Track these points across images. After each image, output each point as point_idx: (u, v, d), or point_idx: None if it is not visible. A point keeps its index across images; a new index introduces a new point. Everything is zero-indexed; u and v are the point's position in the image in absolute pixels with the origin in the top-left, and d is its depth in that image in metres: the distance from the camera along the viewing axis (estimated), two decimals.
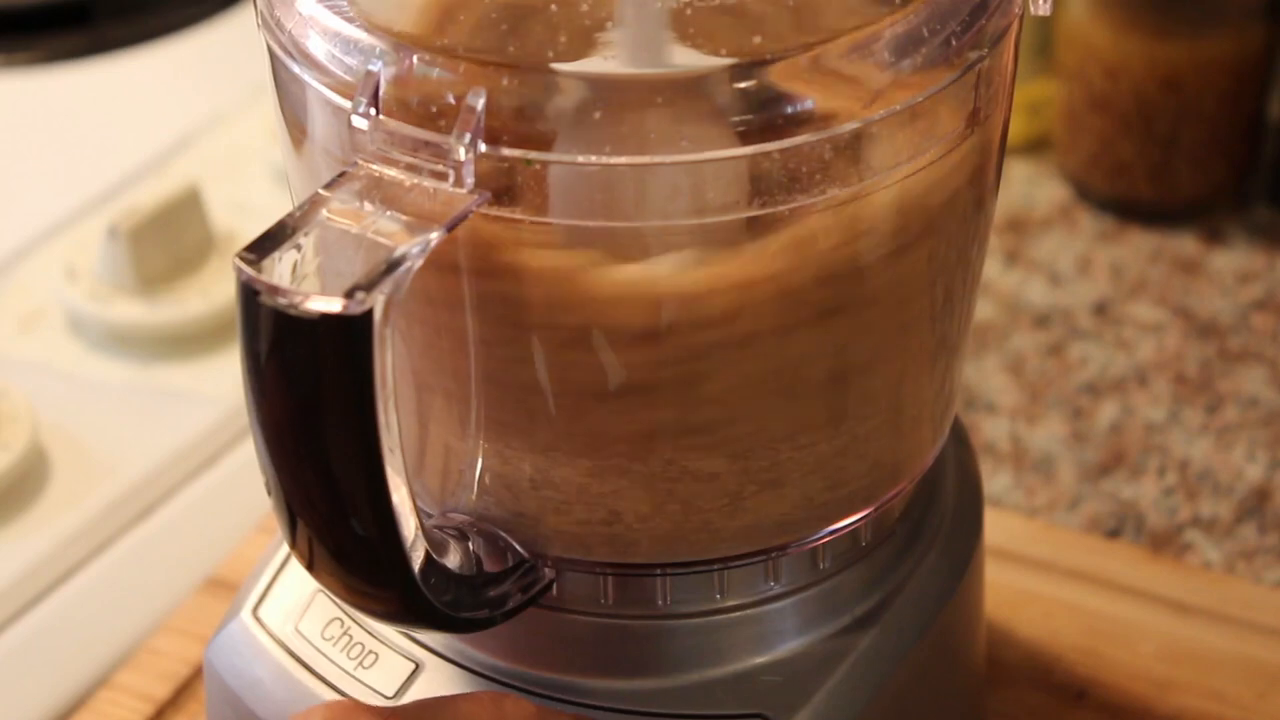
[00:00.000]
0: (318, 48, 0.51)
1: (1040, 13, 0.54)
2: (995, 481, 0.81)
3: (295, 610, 0.60)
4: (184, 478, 0.82)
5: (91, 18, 1.12)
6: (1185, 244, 0.95)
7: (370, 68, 0.49)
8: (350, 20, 0.51)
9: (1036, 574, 0.75)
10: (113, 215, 0.88)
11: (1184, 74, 0.92)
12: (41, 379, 0.85)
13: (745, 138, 0.49)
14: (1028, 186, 0.99)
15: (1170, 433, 0.84)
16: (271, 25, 0.53)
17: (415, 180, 0.48)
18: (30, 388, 0.83)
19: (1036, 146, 1.00)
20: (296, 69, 0.52)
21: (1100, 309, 0.91)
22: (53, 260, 0.90)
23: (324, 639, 0.59)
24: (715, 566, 0.56)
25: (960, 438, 0.65)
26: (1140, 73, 0.93)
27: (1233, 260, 0.94)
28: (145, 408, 0.84)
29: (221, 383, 0.85)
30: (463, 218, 0.48)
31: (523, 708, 0.54)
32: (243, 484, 0.81)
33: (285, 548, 0.60)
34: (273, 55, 0.53)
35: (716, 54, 0.50)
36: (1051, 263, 0.94)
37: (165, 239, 0.88)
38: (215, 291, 0.87)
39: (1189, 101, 0.93)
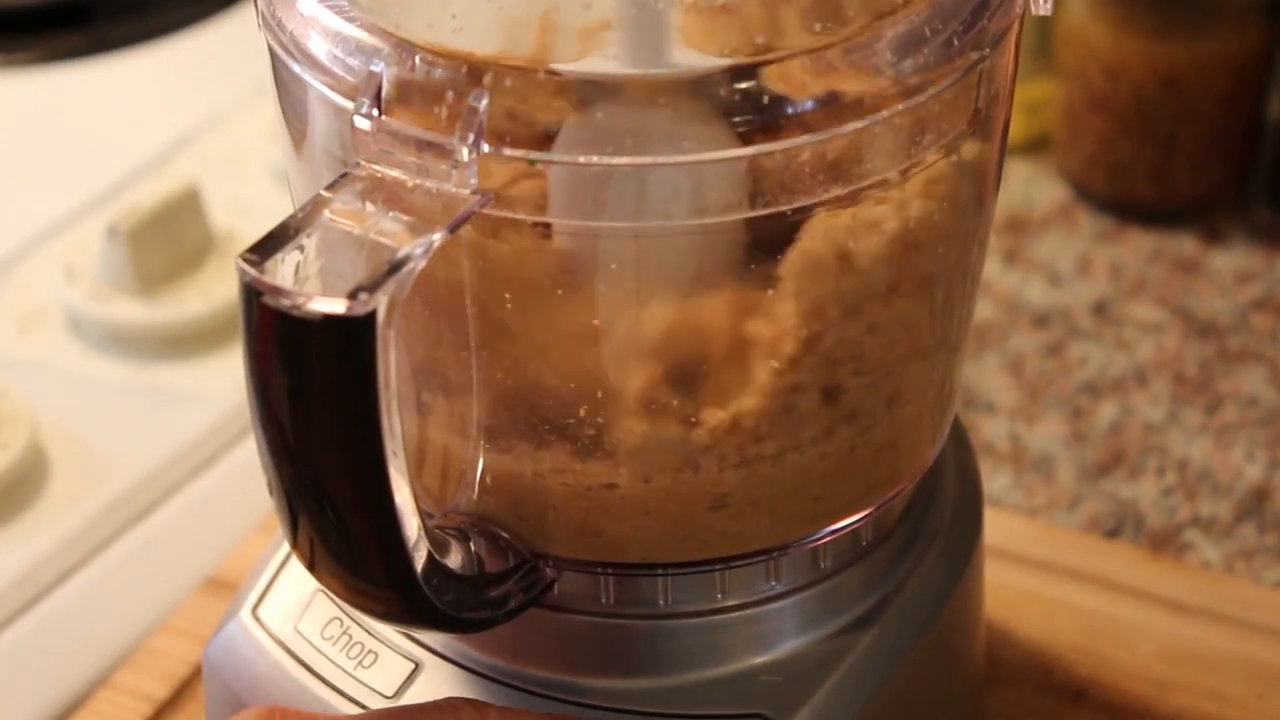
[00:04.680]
0: (319, 48, 0.51)
1: (1041, 12, 0.54)
2: (995, 481, 0.81)
3: (295, 610, 0.60)
4: (184, 478, 0.82)
5: (91, 18, 1.12)
6: (1185, 244, 0.95)
7: (372, 68, 0.49)
8: (352, 20, 0.51)
9: (1036, 574, 0.75)
10: (112, 215, 0.88)
11: (1183, 74, 0.92)
12: (41, 379, 0.85)
13: (746, 138, 0.49)
14: (1027, 186, 0.99)
15: (1170, 433, 0.84)
16: (272, 25, 0.53)
17: (417, 181, 0.48)
18: (30, 388, 0.83)
19: (1036, 146, 1.00)
20: (297, 69, 0.51)
21: (1100, 309, 0.91)
22: (53, 260, 0.90)
23: (323, 639, 0.59)
24: (716, 566, 0.56)
25: (960, 438, 0.65)
26: (1140, 73, 0.93)
27: (1232, 260, 0.94)
28: (145, 408, 0.84)
29: (221, 383, 0.85)
30: (465, 218, 0.48)
31: (483, 713, 0.54)
32: (242, 484, 0.81)
33: (285, 547, 0.60)
34: (273, 55, 0.53)
35: (718, 54, 0.50)
36: (1051, 263, 0.94)
37: (165, 239, 0.88)
38: (215, 291, 0.88)
39: (1188, 101, 0.93)
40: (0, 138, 1.04)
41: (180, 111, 1.02)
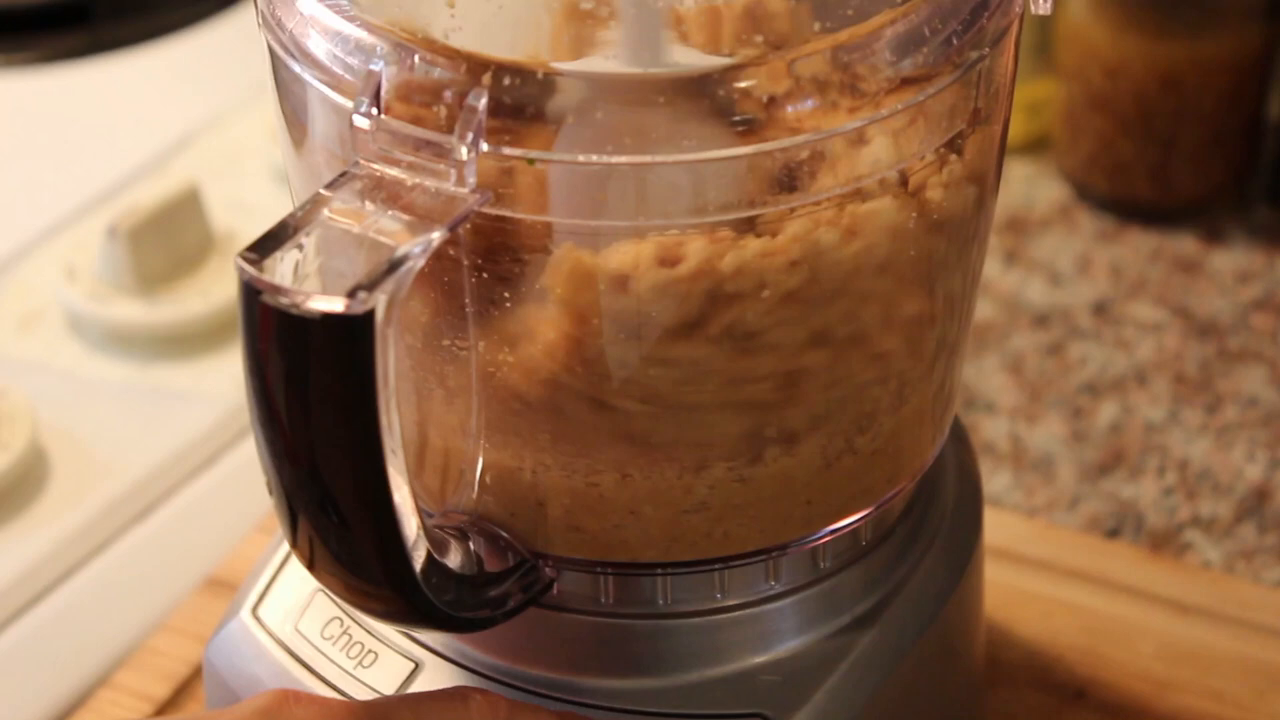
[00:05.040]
0: (318, 47, 0.51)
1: (1040, 12, 0.54)
2: (995, 481, 0.81)
3: (295, 610, 0.60)
4: (184, 478, 0.82)
5: (91, 18, 1.12)
6: (1185, 244, 0.95)
7: (372, 67, 0.49)
8: (351, 20, 0.51)
9: (1036, 574, 0.75)
10: (112, 215, 0.88)
11: (1184, 74, 0.92)
12: (41, 379, 0.85)
13: (746, 137, 0.49)
14: (1028, 186, 0.99)
15: (1170, 432, 0.84)
16: (272, 24, 0.53)
17: (417, 180, 0.48)
18: (30, 388, 0.83)
19: (1036, 146, 1.00)
20: (297, 68, 0.52)
21: (1100, 309, 0.91)
22: (53, 260, 0.90)
23: (324, 638, 0.59)
24: (715, 566, 0.56)
25: (960, 437, 0.65)
26: (1140, 72, 0.93)
27: (1232, 260, 0.94)
28: (145, 408, 0.84)
29: (221, 383, 0.85)
30: (464, 217, 0.48)
31: (493, 703, 0.54)
32: (242, 484, 0.81)
33: (285, 547, 0.60)
34: (273, 54, 0.53)
35: (718, 53, 0.50)
36: (1051, 262, 0.94)
37: (165, 239, 0.88)
38: (215, 291, 0.88)
39: (1189, 101, 0.93)
40: (0, 138, 1.04)
41: (180, 111, 1.03)
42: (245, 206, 0.94)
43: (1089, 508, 0.80)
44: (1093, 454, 0.83)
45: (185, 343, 0.87)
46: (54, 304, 0.89)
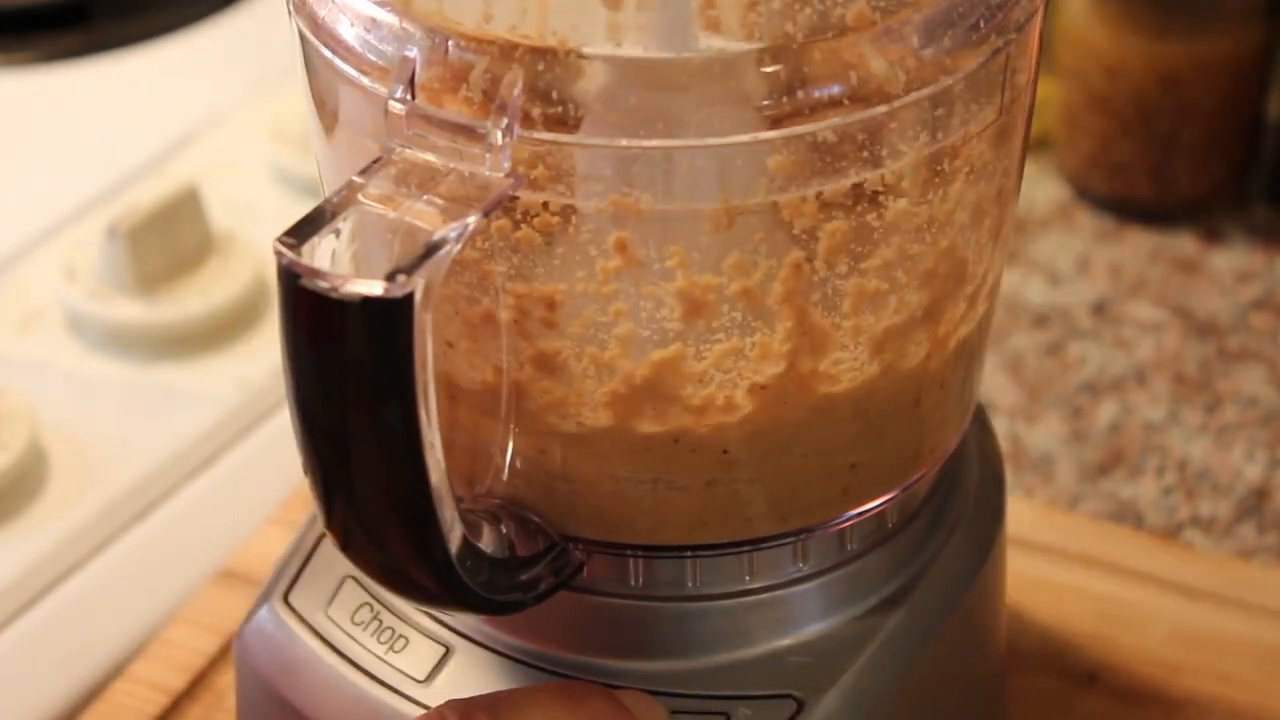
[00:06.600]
0: (350, 34, 0.51)
1: None
2: None
3: (324, 596, 0.59)
4: (183, 477, 0.82)
5: (90, 17, 1.12)
6: (1184, 243, 0.96)
7: (406, 53, 0.50)
8: (383, 5, 0.51)
9: (1048, 559, 0.75)
10: (112, 215, 0.88)
11: (1183, 74, 0.93)
12: (41, 379, 0.85)
13: (775, 121, 0.49)
14: (1027, 186, 0.99)
15: (1169, 432, 0.84)
16: (303, 11, 0.53)
17: (451, 165, 0.49)
18: (30, 387, 0.83)
19: (1036, 146, 1.00)
20: (329, 55, 0.52)
21: (1099, 308, 0.91)
22: (52, 260, 0.90)
23: (354, 624, 0.59)
24: (744, 548, 0.56)
25: (982, 423, 0.65)
26: (1139, 72, 0.93)
27: (1232, 260, 0.94)
28: (145, 408, 0.84)
29: (221, 383, 0.85)
30: (499, 202, 0.48)
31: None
32: (242, 484, 0.81)
33: (312, 534, 0.60)
34: (304, 41, 0.53)
35: (748, 38, 0.50)
36: (1050, 262, 0.94)
37: (164, 239, 0.88)
38: (214, 291, 0.88)
39: (1188, 101, 0.94)
40: (0, 138, 1.04)
41: (180, 111, 1.03)
42: (245, 206, 0.94)
43: (1088, 507, 0.80)
44: (1092, 454, 0.83)
45: (185, 343, 0.87)
46: (54, 304, 0.89)
